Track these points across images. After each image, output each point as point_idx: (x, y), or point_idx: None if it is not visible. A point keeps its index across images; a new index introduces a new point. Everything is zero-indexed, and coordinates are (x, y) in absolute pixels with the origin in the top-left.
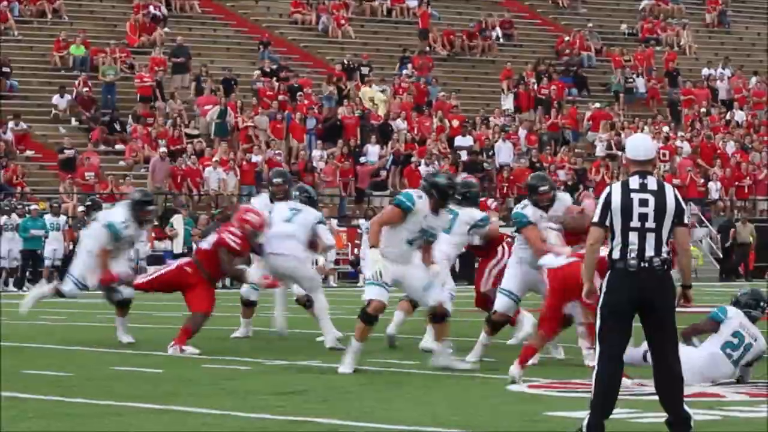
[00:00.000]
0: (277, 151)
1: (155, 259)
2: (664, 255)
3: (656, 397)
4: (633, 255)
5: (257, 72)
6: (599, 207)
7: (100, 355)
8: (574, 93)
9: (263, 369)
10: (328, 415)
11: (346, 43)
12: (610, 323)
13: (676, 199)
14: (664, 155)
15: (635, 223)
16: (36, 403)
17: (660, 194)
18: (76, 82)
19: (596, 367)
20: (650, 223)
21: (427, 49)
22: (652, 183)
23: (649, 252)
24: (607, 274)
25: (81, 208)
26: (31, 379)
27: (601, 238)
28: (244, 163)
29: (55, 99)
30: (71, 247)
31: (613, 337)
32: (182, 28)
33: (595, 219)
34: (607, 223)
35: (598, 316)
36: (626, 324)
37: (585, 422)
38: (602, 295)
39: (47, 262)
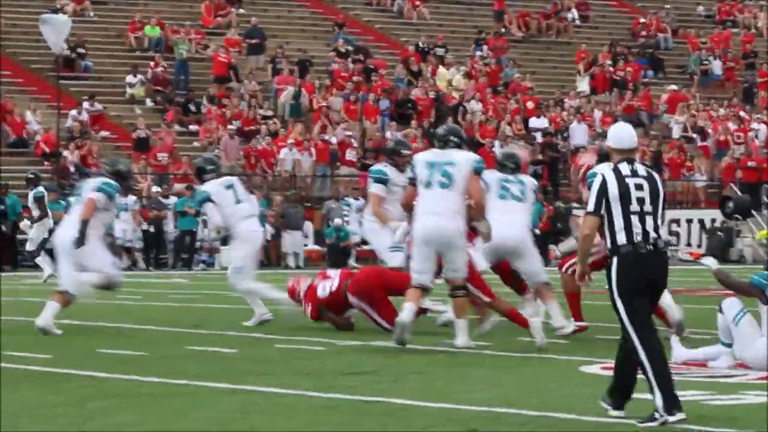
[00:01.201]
0: (350, 132)
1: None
2: (663, 236)
3: (731, 380)
4: (639, 238)
5: (332, 53)
6: (594, 196)
7: (174, 335)
8: (650, 75)
9: (336, 349)
10: (400, 395)
11: (421, 25)
12: (636, 304)
13: (660, 182)
14: (738, 138)
15: (635, 207)
16: (112, 382)
17: (651, 179)
18: (151, 63)
19: (643, 349)
20: (647, 207)
21: (503, 30)
22: (641, 169)
23: (653, 234)
24: (614, 261)
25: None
26: (106, 358)
27: (597, 227)
28: (319, 143)
29: (130, 79)
30: (144, 227)
31: (643, 314)
32: (257, 9)
33: (591, 208)
34: (602, 211)
35: (620, 302)
36: (646, 301)
37: (661, 404)
38: (615, 281)
39: (117, 242)
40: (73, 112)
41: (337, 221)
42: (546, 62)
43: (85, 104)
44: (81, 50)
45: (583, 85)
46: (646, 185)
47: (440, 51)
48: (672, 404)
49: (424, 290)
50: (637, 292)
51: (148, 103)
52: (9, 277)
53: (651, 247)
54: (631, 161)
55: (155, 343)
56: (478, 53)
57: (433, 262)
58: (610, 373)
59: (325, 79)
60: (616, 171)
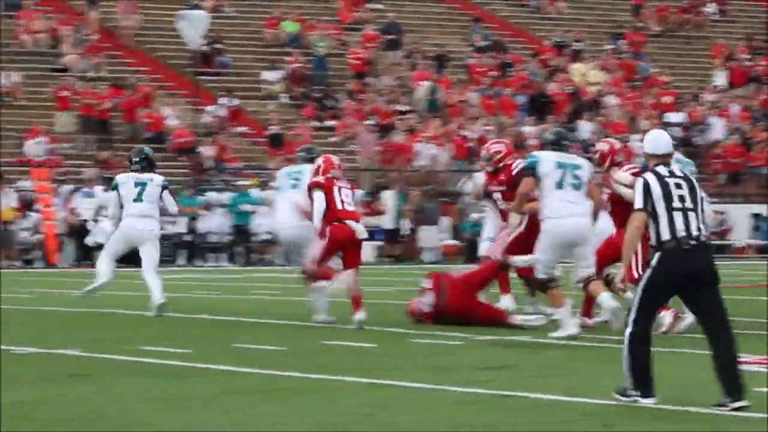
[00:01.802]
0: (488, 127)
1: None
2: (705, 232)
3: None
4: (683, 234)
5: (469, 48)
6: (640, 194)
7: (312, 330)
8: None
9: (473, 344)
10: (538, 390)
11: (558, 20)
12: (656, 299)
13: (695, 181)
14: None
15: (677, 203)
16: (249, 376)
17: (687, 179)
18: (289, 58)
19: (632, 335)
20: (689, 204)
21: (640, 25)
22: (677, 170)
23: (695, 230)
24: (657, 255)
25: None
26: (244, 352)
27: (644, 223)
28: (457, 138)
29: (267, 75)
30: None
31: (654, 311)
32: (394, 4)
33: (639, 205)
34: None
35: (643, 289)
36: (667, 300)
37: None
38: (651, 271)
39: (257, 237)
40: (211, 107)
41: (474, 216)
42: (683, 57)
43: (223, 100)
44: (218, 46)
45: (720, 79)
46: (684, 184)
47: (577, 45)
48: (647, 391)
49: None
50: (665, 288)
51: (285, 98)
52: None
53: (694, 241)
54: (666, 164)
55: (292, 337)
56: (616, 48)
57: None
58: (747, 367)
59: (461, 74)
60: (655, 173)
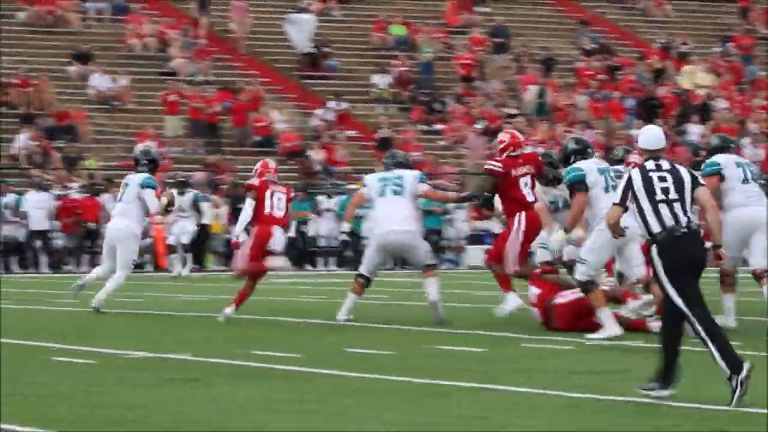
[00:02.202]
0: (597, 131)
1: (474, 239)
2: (694, 220)
3: None
4: (672, 223)
5: (577, 51)
6: (621, 189)
7: (421, 334)
8: None
9: (583, 348)
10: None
11: (666, 22)
12: (683, 282)
13: (688, 170)
14: None
15: (660, 195)
16: (360, 380)
17: (674, 170)
18: (396, 61)
19: (699, 324)
20: (673, 195)
21: (748, 27)
22: (665, 164)
23: (683, 219)
24: (654, 248)
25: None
26: (354, 357)
27: (620, 217)
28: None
29: (375, 78)
30: None
31: (692, 291)
32: (501, 8)
33: (616, 200)
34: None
35: (668, 284)
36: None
37: (727, 370)
38: (659, 265)
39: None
40: (319, 111)
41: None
42: None
43: (331, 103)
44: (326, 49)
45: None
46: (668, 176)
47: (684, 48)
48: (738, 366)
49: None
50: (681, 271)
51: (393, 102)
52: None
53: (685, 230)
54: (657, 158)
55: (402, 342)
56: (724, 51)
57: None
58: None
59: (569, 78)
60: (642, 168)
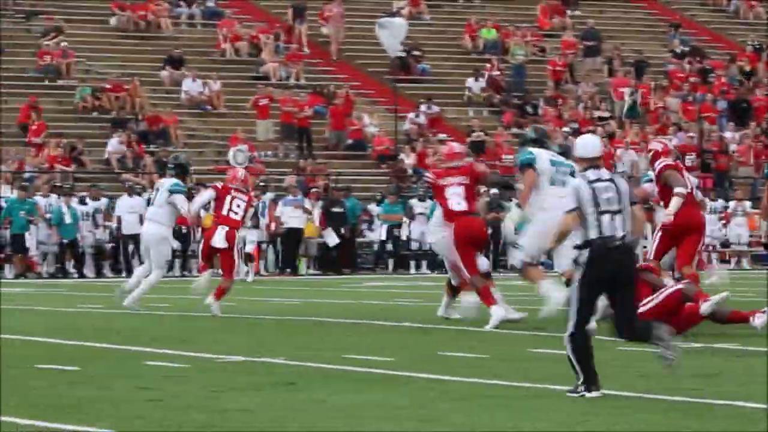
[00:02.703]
0: (689, 134)
1: None
2: (629, 233)
3: None
4: (609, 234)
5: (668, 54)
6: (571, 198)
7: (516, 337)
8: None
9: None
10: (744, 399)
11: (757, 24)
12: (590, 295)
13: (624, 184)
14: None
15: (604, 206)
16: (455, 384)
17: (614, 182)
18: (487, 65)
19: (573, 335)
20: (615, 206)
21: None
22: (604, 174)
23: (621, 231)
24: (586, 253)
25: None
26: (448, 360)
27: (575, 224)
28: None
29: (469, 82)
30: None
31: (590, 308)
32: (593, 11)
33: (570, 207)
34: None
35: (578, 289)
36: (598, 295)
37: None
38: (583, 271)
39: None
40: (411, 114)
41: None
42: None
43: (423, 107)
44: (417, 53)
45: None
46: (612, 187)
47: None
48: (592, 382)
49: None
50: (597, 284)
51: (485, 105)
52: (349, 280)
53: (619, 242)
54: (596, 167)
55: (497, 345)
56: None
57: None
58: None
59: (661, 80)
60: (584, 178)
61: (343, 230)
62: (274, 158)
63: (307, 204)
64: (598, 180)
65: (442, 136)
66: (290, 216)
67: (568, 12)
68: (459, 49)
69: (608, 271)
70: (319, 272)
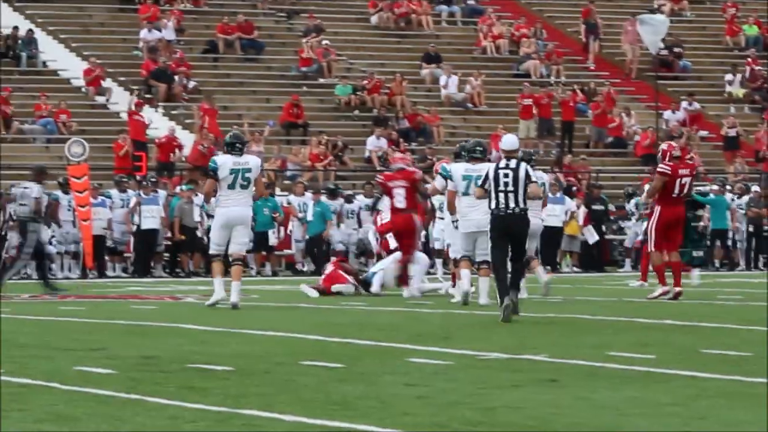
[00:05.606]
0: None
1: None
2: (521, 205)
3: None
4: (502, 206)
5: None
6: (483, 178)
7: None
8: None
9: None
10: None
11: None
12: (498, 243)
13: (526, 170)
14: None
15: (501, 187)
16: (715, 381)
17: (516, 169)
18: (748, 59)
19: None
20: (510, 187)
21: None
22: (512, 163)
23: (512, 204)
24: (490, 218)
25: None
26: (709, 357)
27: (482, 196)
28: None
29: (728, 78)
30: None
31: (499, 252)
32: None
33: (479, 184)
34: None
35: (490, 240)
36: (506, 245)
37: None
38: (489, 228)
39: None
40: (668, 111)
41: None
42: None
43: (683, 103)
44: (678, 49)
45: None
46: (510, 174)
47: None
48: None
49: None
50: (499, 237)
51: (746, 102)
52: (608, 277)
53: (510, 211)
54: (509, 158)
55: (758, 342)
56: None
57: None
58: None
59: None
60: (496, 165)
61: (603, 227)
62: (535, 155)
63: (570, 203)
64: (504, 167)
65: (703, 133)
66: (548, 215)
67: None
68: (720, 46)
69: (501, 229)
70: (579, 270)
